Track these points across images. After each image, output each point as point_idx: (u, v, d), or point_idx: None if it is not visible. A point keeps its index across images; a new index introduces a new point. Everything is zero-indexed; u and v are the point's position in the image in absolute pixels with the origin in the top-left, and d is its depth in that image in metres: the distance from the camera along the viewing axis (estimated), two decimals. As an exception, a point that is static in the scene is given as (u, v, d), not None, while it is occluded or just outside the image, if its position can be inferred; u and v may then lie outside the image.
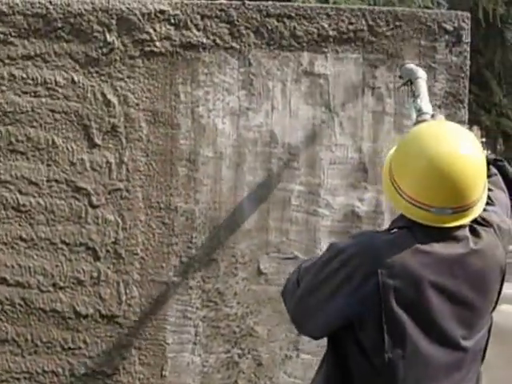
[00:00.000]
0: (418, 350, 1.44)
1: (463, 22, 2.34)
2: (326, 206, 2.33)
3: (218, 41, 2.24)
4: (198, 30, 2.23)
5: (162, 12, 2.20)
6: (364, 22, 2.29)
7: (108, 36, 2.18)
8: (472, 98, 10.98)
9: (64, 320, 2.24)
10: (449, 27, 2.34)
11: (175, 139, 2.26)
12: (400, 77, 2.08)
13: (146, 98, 2.24)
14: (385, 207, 2.34)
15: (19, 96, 2.18)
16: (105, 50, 2.20)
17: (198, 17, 2.23)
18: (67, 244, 2.22)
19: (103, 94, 2.21)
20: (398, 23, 2.32)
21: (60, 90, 2.20)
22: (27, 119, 2.19)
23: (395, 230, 1.50)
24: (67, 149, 2.21)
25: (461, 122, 2.34)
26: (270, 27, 2.27)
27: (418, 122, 1.79)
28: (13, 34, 2.16)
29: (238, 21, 2.24)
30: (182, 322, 2.30)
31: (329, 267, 1.47)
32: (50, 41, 2.17)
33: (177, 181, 2.27)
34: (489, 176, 1.69)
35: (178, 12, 2.21)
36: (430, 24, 2.32)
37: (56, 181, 2.21)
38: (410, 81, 1.98)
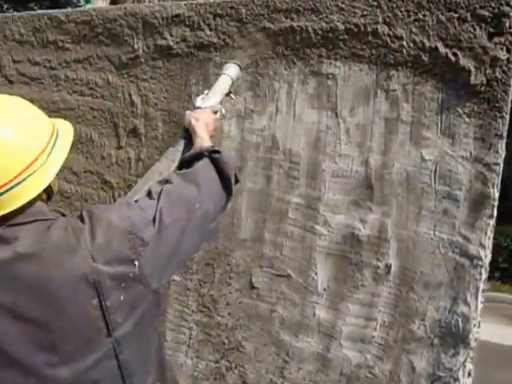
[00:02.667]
0: None
1: (507, 5, 2.01)
2: (324, 224, 2.29)
3: (227, 40, 2.45)
4: (210, 29, 2.47)
5: (178, 15, 2.50)
6: (379, 14, 2.19)
7: (135, 39, 2.62)
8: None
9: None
10: (485, 13, 2.04)
11: (186, 139, 2.56)
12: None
13: (164, 98, 2.56)
14: (391, 234, 2.19)
15: (70, 95, 2.74)
16: (132, 52, 2.63)
17: (211, 16, 2.47)
18: (94, 230, 2.76)
19: (129, 94, 2.65)
20: (418, 12, 2.14)
21: (98, 90, 2.68)
22: (74, 115, 2.73)
23: None
24: (100, 144, 2.70)
25: (497, 136, 2.04)
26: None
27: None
28: (68, 40, 2.77)
29: (246, 18, 2.41)
30: (179, 322, 2.54)
31: None
32: (93, 45, 2.68)
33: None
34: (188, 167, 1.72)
35: (192, 13, 2.49)
36: (459, 11, 2.07)
37: (90, 172, 2.74)
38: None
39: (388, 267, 2.16)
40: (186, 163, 1.79)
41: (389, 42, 2.10)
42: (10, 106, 1.50)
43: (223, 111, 2.08)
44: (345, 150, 2.21)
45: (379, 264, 2.17)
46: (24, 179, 1.40)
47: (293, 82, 2.29)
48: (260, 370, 2.37)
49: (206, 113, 1.97)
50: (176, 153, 1.88)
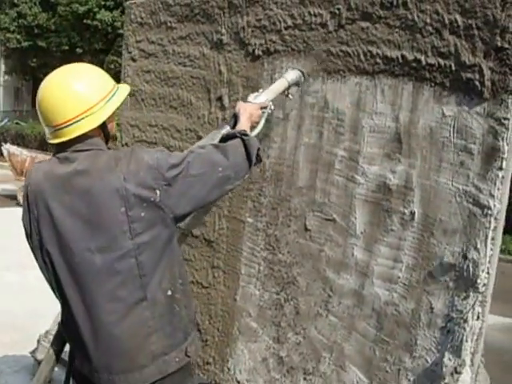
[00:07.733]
0: (50, 254, 1.99)
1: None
2: (363, 174, 2.47)
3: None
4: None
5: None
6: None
7: (222, 18, 2.97)
8: None
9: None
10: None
11: (258, 101, 2.86)
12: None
13: (244, 66, 2.92)
14: (415, 184, 2.32)
15: (176, 66, 3.19)
16: (220, 33, 2.98)
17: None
18: (191, 179, 3.16)
19: (218, 64, 3.02)
20: None
21: (196, 61, 3.12)
22: (179, 83, 3.19)
23: None
24: (197, 106, 3.14)
25: (508, 92, 2.08)
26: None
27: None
28: (174, 20, 3.21)
29: None
30: (251, 258, 2.89)
31: None
32: (193, 24, 3.12)
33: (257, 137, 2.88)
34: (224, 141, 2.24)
35: (264, -9, 2.79)
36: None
37: (189, 130, 3.18)
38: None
39: (412, 214, 2.33)
40: (223, 139, 2.29)
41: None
42: (81, 68, 2.10)
43: (272, 107, 2.54)
44: (380, 108, 2.41)
45: (405, 211, 2.35)
46: (81, 119, 1.97)
47: (341, 48, 2.52)
48: (310, 303, 2.67)
49: (254, 107, 2.46)
50: (217, 134, 2.36)
